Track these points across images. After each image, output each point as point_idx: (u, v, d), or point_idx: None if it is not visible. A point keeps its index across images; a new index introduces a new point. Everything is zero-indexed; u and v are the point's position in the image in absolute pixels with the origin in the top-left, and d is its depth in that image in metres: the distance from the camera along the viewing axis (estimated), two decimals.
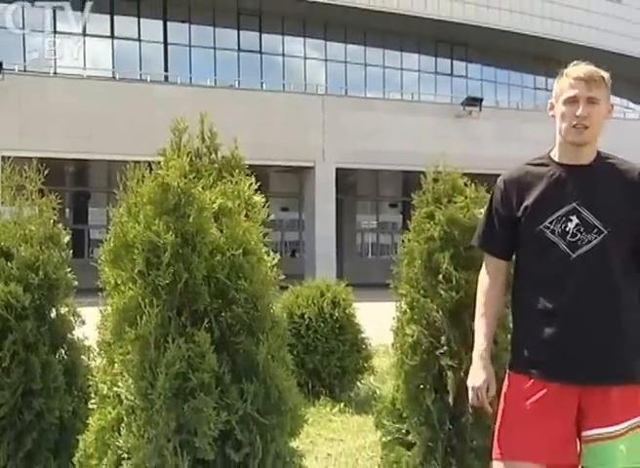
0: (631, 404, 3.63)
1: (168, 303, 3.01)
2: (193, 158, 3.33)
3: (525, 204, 3.72)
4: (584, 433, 3.61)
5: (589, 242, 3.60)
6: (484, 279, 3.92)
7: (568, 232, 3.62)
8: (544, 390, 3.62)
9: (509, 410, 3.70)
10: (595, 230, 3.61)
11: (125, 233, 3.07)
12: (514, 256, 3.88)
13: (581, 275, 3.60)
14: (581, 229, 3.61)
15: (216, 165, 3.38)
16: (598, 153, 3.76)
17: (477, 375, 3.79)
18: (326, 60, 47.93)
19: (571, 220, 3.63)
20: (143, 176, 3.13)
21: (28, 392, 4.30)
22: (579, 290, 3.60)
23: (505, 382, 3.77)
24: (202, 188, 3.20)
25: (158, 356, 2.95)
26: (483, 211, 4.20)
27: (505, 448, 3.69)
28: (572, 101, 3.66)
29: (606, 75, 3.74)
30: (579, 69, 3.71)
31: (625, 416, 3.60)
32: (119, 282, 3.10)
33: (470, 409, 4.24)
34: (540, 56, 50.99)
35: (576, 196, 3.65)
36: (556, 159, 3.77)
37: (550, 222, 3.65)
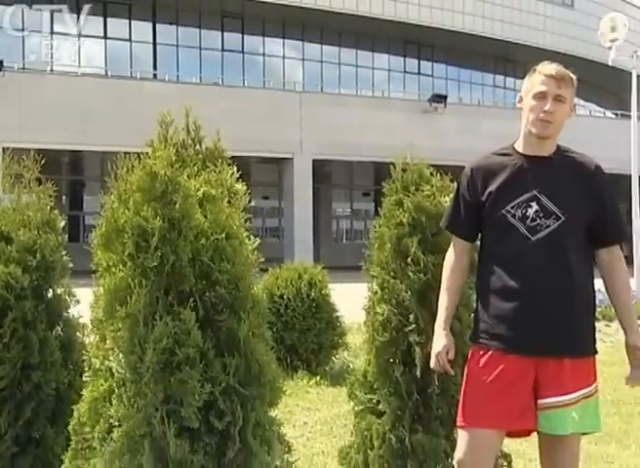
0: (583, 375, 3.67)
1: (156, 284, 2.99)
2: (179, 149, 3.31)
3: (489, 190, 3.74)
4: (540, 401, 3.64)
5: (548, 227, 3.63)
6: (450, 257, 3.96)
7: (528, 217, 3.64)
8: (504, 362, 3.65)
9: (472, 381, 3.73)
10: (553, 216, 3.63)
11: (116, 218, 3.05)
12: (479, 240, 3.90)
13: (540, 257, 3.63)
14: (541, 215, 3.64)
15: (200, 155, 3.36)
16: (558, 146, 3.79)
17: (438, 342, 3.85)
18: (303, 60, 47.98)
19: (531, 206, 3.65)
20: (133, 166, 3.11)
21: (27, 366, 4.29)
22: (537, 270, 3.63)
23: (468, 356, 3.79)
24: (187, 177, 3.18)
25: (147, 332, 2.94)
26: (448, 198, 4.22)
27: (468, 417, 3.72)
28: (541, 97, 3.69)
29: (574, 77, 3.78)
30: (551, 68, 3.73)
31: (578, 386, 3.63)
32: (110, 264, 3.07)
33: (436, 382, 4.25)
34: (499, 57, 51.21)
35: (536, 184, 3.68)
36: (520, 150, 3.79)
37: (512, 207, 3.67)
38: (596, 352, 3.75)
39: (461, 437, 3.76)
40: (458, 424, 3.78)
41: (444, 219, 4.04)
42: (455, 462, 3.79)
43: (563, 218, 3.63)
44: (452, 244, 3.98)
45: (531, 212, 3.65)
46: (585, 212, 3.69)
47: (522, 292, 3.64)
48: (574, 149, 3.86)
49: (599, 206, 3.72)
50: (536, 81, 3.72)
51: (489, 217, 3.75)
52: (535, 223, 3.64)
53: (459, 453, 3.75)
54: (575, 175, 3.73)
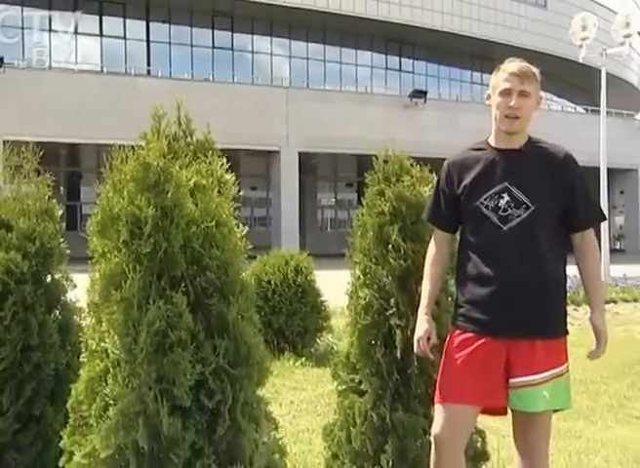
0: (553, 355, 3.70)
1: (149, 269, 2.98)
2: (171, 141, 3.29)
3: (464, 183, 3.78)
4: (512, 380, 3.68)
5: (519, 216, 3.65)
6: (431, 248, 3.99)
7: (500, 207, 3.67)
8: (478, 344, 3.69)
9: (449, 362, 3.77)
10: (524, 206, 3.65)
11: (111, 207, 3.04)
12: (459, 231, 3.93)
13: (512, 245, 3.65)
14: (512, 205, 3.66)
15: (191, 147, 3.34)
16: (529, 138, 3.81)
17: (420, 328, 3.88)
18: (290, 57, 48.02)
19: (502, 197, 3.68)
20: (127, 157, 3.10)
21: (27, 347, 4.29)
22: (509, 258, 3.66)
23: (447, 337, 3.83)
24: (179, 167, 3.17)
25: (140, 315, 2.93)
26: (427, 189, 4.24)
27: (445, 394, 3.76)
28: (506, 94, 3.71)
29: (537, 71, 3.81)
30: (513, 65, 3.75)
31: (548, 366, 3.67)
32: (106, 250, 3.06)
33: (415, 363, 4.26)
34: (476, 54, 51.29)
35: (507, 176, 3.71)
36: (492, 144, 3.82)
37: (485, 199, 3.70)
38: (567, 333, 3.78)
39: (438, 413, 3.80)
40: (436, 401, 3.82)
41: (425, 212, 4.07)
42: (432, 437, 3.82)
43: (532, 208, 3.65)
44: (433, 235, 4.02)
45: (502, 202, 3.68)
46: (556, 200, 3.70)
47: (495, 278, 3.67)
48: (545, 140, 3.88)
49: (570, 193, 3.73)
50: (500, 79, 3.75)
51: (465, 209, 3.79)
52: (506, 213, 3.67)
53: (436, 428, 3.78)
54: (545, 166, 3.74)
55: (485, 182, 3.73)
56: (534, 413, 3.72)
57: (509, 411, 3.85)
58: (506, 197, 3.68)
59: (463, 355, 3.70)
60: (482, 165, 3.77)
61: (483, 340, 3.67)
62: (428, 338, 3.89)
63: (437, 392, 3.81)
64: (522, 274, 3.64)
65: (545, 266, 3.68)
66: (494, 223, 3.68)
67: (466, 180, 3.78)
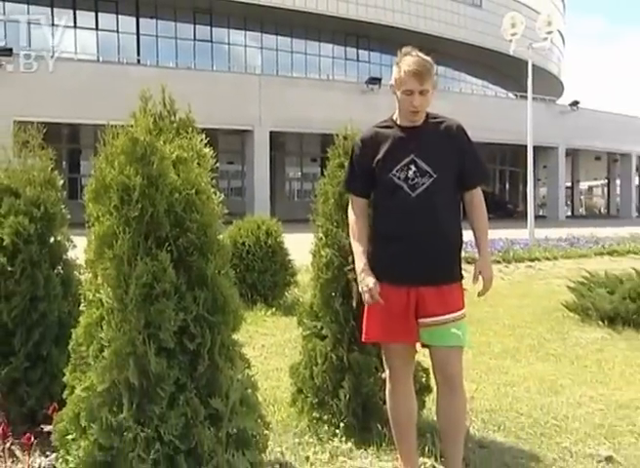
0: (454, 300, 3.76)
1: (137, 231, 2.96)
2: (157, 119, 3.25)
3: (377, 157, 3.81)
4: (421, 320, 3.75)
5: (424, 184, 3.71)
6: (351, 214, 3.99)
7: (409, 178, 3.72)
8: (392, 292, 3.75)
9: (369, 308, 3.84)
10: (427, 175, 3.71)
11: (103, 177, 3.01)
12: (373, 196, 3.93)
13: (418, 209, 3.71)
14: (418, 175, 3.72)
15: (174, 124, 3.30)
16: (427, 114, 3.84)
17: (367, 280, 3.78)
18: (262, 48, 47.74)
19: (410, 169, 3.73)
20: (118, 133, 3.08)
21: (35, 298, 4.31)
22: (416, 220, 3.71)
23: None
24: (163, 142, 3.14)
25: (130, 270, 2.91)
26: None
27: (367, 333, 3.90)
28: (409, 93, 3.72)
29: (430, 61, 3.81)
30: (411, 64, 3.74)
31: (452, 309, 3.74)
32: (99, 214, 3.04)
33: None
34: (423, 47, 50.66)
35: (413, 150, 3.75)
36: (398, 122, 3.85)
37: (397, 171, 3.74)
38: (462, 278, 3.83)
39: (384, 352, 3.94)
40: (363, 339, 3.95)
41: (343, 183, 4.14)
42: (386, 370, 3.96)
43: (435, 176, 3.71)
44: (351, 202, 4.01)
45: (410, 173, 3.72)
46: (452, 166, 3.77)
47: (404, 237, 3.73)
48: (442, 115, 3.90)
49: (461, 157, 3.79)
50: (402, 78, 3.73)
51: (379, 180, 3.81)
52: (414, 182, 3.72)
53: (386, 369, 3.92)
54: (442, 137, 3.79)
55: (395, 156, 3.76)
56: (444, 349, 3.77)
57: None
58: (413, 168, 3.72)
59: (382, 302, 3.75)
60: (391, 141, 3.80)
61: (396, 289, 3.74)
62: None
63: (364, 333, 3.91)
64: (426, 232, 3.70)
65: (444, 224, 3.75)
66: (405, 191, 3.72)
67: (379, 155, 3.80)
